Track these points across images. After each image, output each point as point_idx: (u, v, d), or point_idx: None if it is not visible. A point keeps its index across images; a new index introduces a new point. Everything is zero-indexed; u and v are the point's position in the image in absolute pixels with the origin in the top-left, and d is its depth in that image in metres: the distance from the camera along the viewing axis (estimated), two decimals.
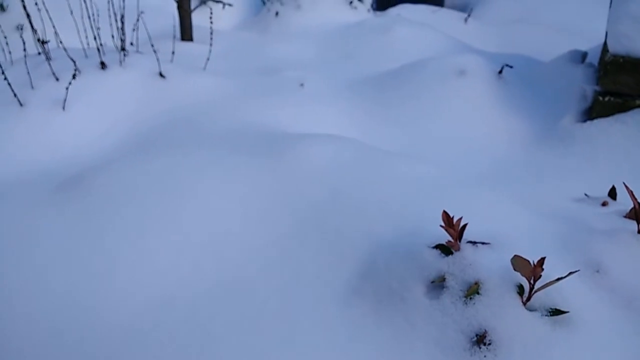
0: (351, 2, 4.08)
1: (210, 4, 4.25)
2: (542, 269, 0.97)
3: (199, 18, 4.16)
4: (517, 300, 1.00)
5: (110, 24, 2.44)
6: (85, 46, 3.24)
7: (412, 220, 1.28)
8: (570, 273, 0.99)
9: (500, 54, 3.02)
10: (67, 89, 1.94)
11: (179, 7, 3.12)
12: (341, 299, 1.16)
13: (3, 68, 1.98)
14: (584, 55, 2.53)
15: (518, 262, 0.98)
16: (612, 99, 2.03)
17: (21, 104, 1.96)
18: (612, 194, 1.56)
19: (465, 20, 4.14)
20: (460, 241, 1.12)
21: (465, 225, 1.11)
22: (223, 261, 1.30)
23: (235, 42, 3.41)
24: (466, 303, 1.02)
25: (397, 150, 2.10)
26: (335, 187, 1.42)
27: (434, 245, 1.15)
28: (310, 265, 1.25)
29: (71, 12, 2.24)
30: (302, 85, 2.48)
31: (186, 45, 3.09)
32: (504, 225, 1.25)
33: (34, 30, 2.21)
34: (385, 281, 1.14)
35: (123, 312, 1.18)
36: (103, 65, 2.21)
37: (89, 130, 1.98)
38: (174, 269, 1.27)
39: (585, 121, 2.10)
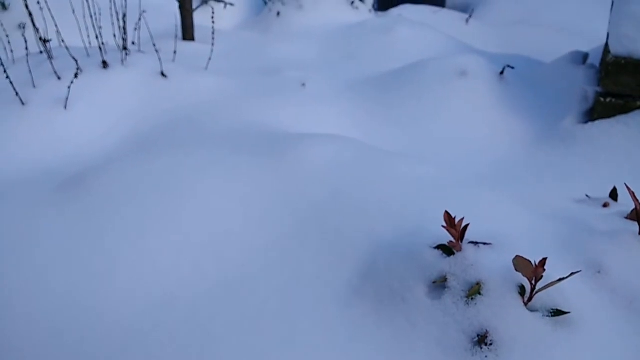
0: (353, 3, 4.09)
1: (212, 3, 4.26)
2: (544, 270, 0.97)
3: (200, 18, 4.16)
4: (519, 301, 1.00)
5: (112, 23, 2.45)
6: (87, 45, 3.24)
7: (412, 220, 1.28)
8: (572, 274, 0.99)
9: (501, 54, 3.01)
10: (69, 88, 1.94)
11: (181, 7, 3.12)
12: (341, 299, 1.16)
13: (5, 67, 1.99)
14: (585, 56, 2.53)
15: (519, 263, 0.98)
16: (613, 100, 2.03)
17: (23, 103, 1.96)
18: (614, 195, 1.56)
19: (467, 21, 4.14)
20: (462, 241, 1.12)
21: (467, 226, 1.11)
22: (223, 261, 1.30)
23: (237, 42, 3.41)
24: (468, 303, 1.02)
25: (398, 151, 2.10)
26: (335, 187, 1.42)
27: (435, 245, 1.15)
28: (310, 265, 1.25)
29: (73, 11, 2.25)
30: (303, 85, 2.48)
31: (188, 44, 3.09)
32: (505, 226, 1.25)
33: (35, 29, 2.22)
34: (386, 281, 1.14)
35: (123, 312, 1.18)
36: (105, 64, 2.21)
37: (91, 129, 1.98)
38: (174, 269, 1.27)
39: (586, 122, 2.10)
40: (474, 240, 1.15)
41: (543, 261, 0.97)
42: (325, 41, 3.48)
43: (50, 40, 2.22)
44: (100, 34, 2.31)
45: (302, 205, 1.39)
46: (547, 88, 2.43)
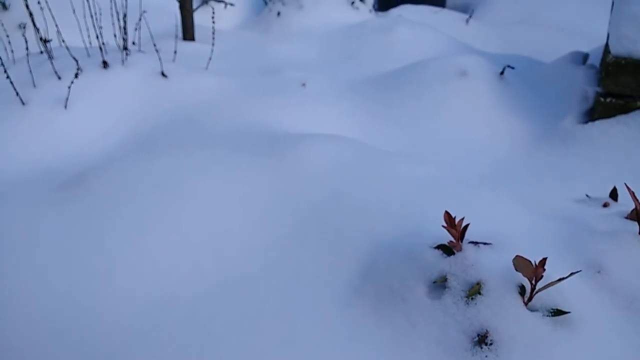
0: (353, 3, 4.09)
1: (212, 3, 4.26)
2: (544, 270, 0.97)
3: (200, 18, 4.17)
4: (519, 301, 1.00)
5: (113, 23, 2.45)
6: (88, 45, 3.24)
7: (412, 220, 1.28)
8: (572, 273, 0.99)
9: (501, 54, 3.01)
10: (69, 87, 1.95)
11: (181, 7, 3.12)
12: (341, 299, 1.16)
13: (5, 66, 1.99)
14: (585, 57, 2.53)
15: (520, 263, 0.98)
16: (613, 100, 2.03)
17: (23, 103, 1.96)
18: (614, 195, 1.56)
19: (467, 21, 4.14)
20: (462, 241, 1.12)
21: (467, 226, 1.11)
22: (223, 261, 1.30)
23: (237, 42, 3.41)
24: (468, 303, 1.02)
25: (398, 151, 2.10)
26: (336, 187, 1.42)
27: (435, 245, 1.15)
28: (310, 265, 1.25)
29: (74, 11, 2.25)
30: (303, 85, 2.48)
31: (188, 44, 3.09)
32: (505, 226, 1.25)
33: (36, 29, 2.22)
34: (386, 281, 1.14)
35: (123, 312, 1.18)
36: (105, 64, 2.21)
37: (91, 129, 1.98)
38: (174, 269, 1.27)
39: (586, 122, 2.10)
40: (474, 240, 1.15)
41: (543, 261, 0.97)
42: (326, 41, 3.48)
43: (51, 40, 2.22)
44: (100, 34, 2.31)
45: (302, 205, 1.39)
46: (547, 88, 2.43)
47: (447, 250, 1.12)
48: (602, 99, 2.04)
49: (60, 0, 3.60)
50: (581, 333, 0.98)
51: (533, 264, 1.00)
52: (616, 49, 1.99)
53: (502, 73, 2.46)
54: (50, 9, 2.21)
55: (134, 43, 2.53)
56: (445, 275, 1.08)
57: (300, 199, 1.41)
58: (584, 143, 1.99)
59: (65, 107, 1.99)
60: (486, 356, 0.95)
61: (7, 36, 2.22)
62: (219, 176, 1.50)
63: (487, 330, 0.98)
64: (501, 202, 1.37)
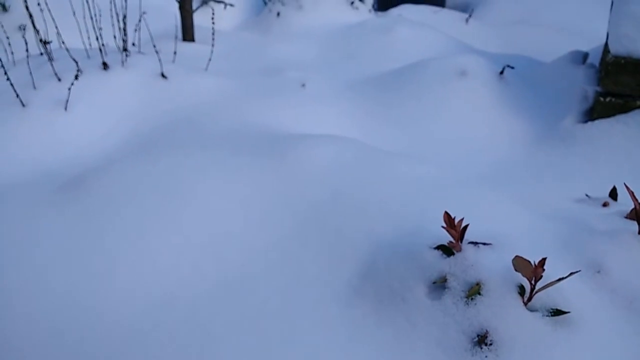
0: (352, 3, 4.09)
1: (212, 4, 4.26)
2: (543, 270, 0.97)
3: (200, 18, 4.17)
4: (518, 301, 1.00)
5: (113, 25, 2.45)
6: (88, 47, 3.24)
7: (412, 220, 1.28)
8: (572, 273, 0.99)
9: (501, 54, 3.02)
10: (69, 89, 1.95)
11: (181, 8, 3.13)
12: (342, 299, 1.16)
13: (5, 68, 1.99)
14: (585, 56, 2.52)
15: (519, 263, 0.98)
16: (613, 99, 2.03)
17: (23, 105, 1.96)
18: (613, 194, 1.56)
19: (467, 20, 4.14)
20: (461, 242, 1.12)
21: (466, 226, 1.11)
22: (223, 262, 1.30)
23: (237, 43, 3.41)
24: (467, 303, 1.02)
25: (398, 151, 2.10)
26: (336, 187, 1.43)
27: (434, 245, 1.15)
28: (310, 266, 1.26)
29: (73, 13, 2.25)
30: (303, 85, 2.48)
31: (188, 45, 3.09)
32: (505, 226, 1.25)
33: (36, 31, 2.22)
34: (386, 281, 1.14)
35: (123, 312, 1.18)
36: (105, 65, 2.21)
37: (91, 130, 1.99)
38: (174, 270, 1.27)
39: (586, 122, 2.10)
40: (474, 241, 1.15)
41: (542, 261, 0.97)
42: (325, 41, 3.48)
43: (51, 41, 2.22)
44: (100, 35, 2.31)
45: (303, 206, 1.40)
46: (547, 88, 2.43)
47: (447, 250, 1.12)
48: (601, 99, 2.04)
49: (60, 2, 3.60)
50: (581, 333, 0.98)
51: (532, 264, 1.00)
52: (615, 49, 1.99)
53: (501, 73, 2.46)
54: (50, 11, 2.21)
55: (133, 44, 2.54)
56: (445, 276, 1.08)
57: (300, 200, 1.42)
58: (584, 143, 1.99)
59: (66, 108, 1.99)
60: (486, 356, 0.95)
61: (7, 38, 2.22)
62: (219, 177, 1.50)
63: (486, 331, 0.98)
64: (501, 202, 1.37)
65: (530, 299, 1.00)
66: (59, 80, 2.11)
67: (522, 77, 2.55)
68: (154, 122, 2.07)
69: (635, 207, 1.23)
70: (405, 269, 1.13)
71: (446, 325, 1.01)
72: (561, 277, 1.06)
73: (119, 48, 2.39)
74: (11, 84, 1.89)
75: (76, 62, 2.06)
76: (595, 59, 2.54)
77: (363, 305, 1.13)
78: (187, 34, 3.21)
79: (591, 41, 3.94)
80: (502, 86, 2.41)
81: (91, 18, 2.26)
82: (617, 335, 1.00)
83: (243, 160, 1.56)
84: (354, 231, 1.29)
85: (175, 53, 2.54)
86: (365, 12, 4.13)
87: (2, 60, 3.01)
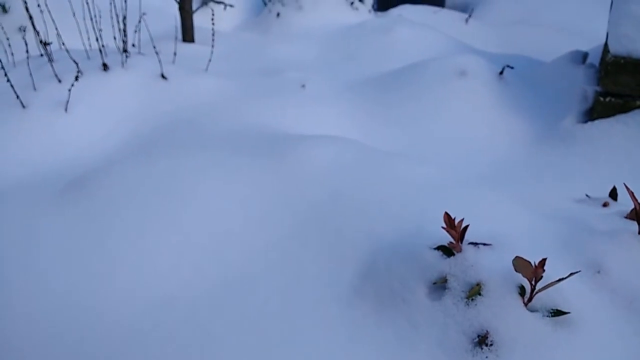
0: (352, 3, 4.09)
1: (212, 5, 4.26)
2: (544, 270, 0.97)
3: (200, 19, 4.17)
4: (519, 301, 1.00)
5: (112, 26, 2.45)
6: (88, 48, 3.25)
7: (412, 220, 1.28)
8: (572, 274, 0.99)
9: (501, 54, 3.02)
10: (69, 90, 1.95)
11: (181, 8, 3.13)
12: (342, 299, 1.16)
13: (6, 70, 1.99)
14: (585, 56, 2.52)
15: (519, 263, 0.98)
16: (613, 99, 2.03)
17: (24, 106, 1.96)
18: (613, 194, 1.56)
19: (466, 20, 4.14)
20: (461, 242, 1.12)
21: (466, 227, 1.11)
22: (224, 262, 1.30)
23: (237, 43, 3.42)
24: (468, 304, 1.02)
25: (398, 151, 2.10)
26: (336, 188, 1.43)
27: (435, 246, 1.15)
28: (311, 266, 1.26)
29: (73, 14, 2.25)
30: (303, 86, 2.48)
31: (188, 46, 3.09)
32: (505, 226, 1.25)
33: (36, 32, 2.22)
34: (387, 282, 1.14)
35: (123, 313, 1.18)
36: (105, 66, 2.21)
37: (91, 131, 1.99)
38: (174, 270, 1.27)
39: (586, 122, 2.10)
40: (474, 241, 1.15)
41: (543, 262, 0.97)
42: (325, 42, 3.49)
43: (51, 43, 2.23)
44: (100, 36, 2.31)
45: (303, 206, 1.40)
46: (547, 88, 2.43)
47: (447, 251, 1.12)
48: (601, 99, 2.04)
49: (60, 3, 3.60)
50: (581, 333, 0.98)
51: (533, 264, 1.00)
52: (615, 49, 1.99)
53: (501, 73, 2.46)
54: (50, 12, 2.22)
55: (133, 45, 2.54)
56: (446, 276, 1.08)
57: (300, 200, 1.42)
58: (584, 143, 1.99)
59: (66, 110, 1.99)
60: (486, 357, 0.95)
61: (7, 39, 2.22)
62: (219, 178, 1.50)
63: (487, 331, 0.98)
64: (501, 202, 1.38)
65: (530, 299, 1.00)
66: (59, 81, 2.11)
67: (522, 77, 2.55)
68: (154, 123, 2.07)
69: (635, 207, 1.23)
70: (406, 269, 1.13)
71: (446, 325, 1.01)
72: (561, 277, 1.06)
73: (119, 49, 2.39)
74: (11, 85, 1.90)
75: (76, 64, 2.06)
76: (595, 59, 2.54)
77: (363, 306, 1.13)
78: (187, 34, 3.21)
79: (591, 41, 3.94)
80: (502, 86, 2.42)
81: (91, 19, 2.26)
82: (617, 335, 1.00)
83: (243, 160, 1.57)
84: (354, 231, 1.29)
85: (175, 54, 2.54)
86: (365, 12, 4.13)
87: (3, 61, 3.01)
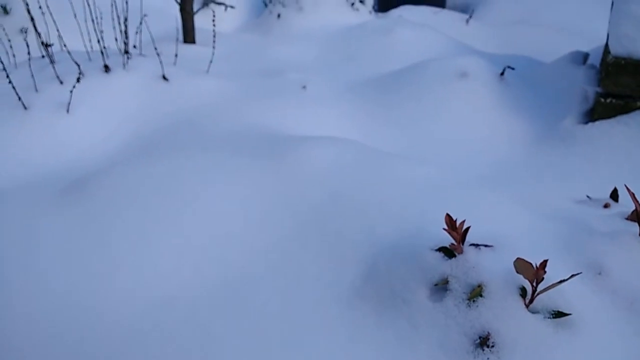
0: (353, 4, 4.09)
1: (213, 6, 4.27)
2: (545, 272, 0.97)
3: (201, 20, 4.18)
4: (520, 303, 1.00)
5: (114, 27, 2.46)
6: (89, 49, 3.25)
7: (413, 221, 1.28)
8: (573, 275, 0.99)
9: (501, 55, 3.02)
10: (71, 92, 1.95)
11: (182, 10, 3.13)
12: (342, 300, 1.16)
13: (7, 71, 2.00)
14: (585, 57, 2.52)
15: (520, 265, 0.98)
16: (613, 100, 2.03)
17: (25, 107, 1.97)
18: (614, 195, 1.56)
19: (467, 21, 4.14)
20: (463, 244, 1.12)
21: (468, 228, 1.11)
22: (224, 263, 1.30)
23: (238, 45, 3.42)
24: (469, 305, 1.02)
25: (398, 152, 2.10)
26: (336, 189, 1.43)
27: (436, 247, 1.15)
28: (311, 267, 1.26)
29: (75, 15, 2.26)
30: (304, 87, 2.49)
31: (189, 47, 3.10)
32: (506, 227, 1.25)
33: (37, 33, 2.23)
34: (387, 283, 1.14)
35: (123, 313, 1.18)
36: (107, 68, 2.22)
37: (93, 133, 1.99)
38: (175, 271, 1.28)
39: (586, 122, 2.10)
40: (475, 242, 1.15)
41: (544, 263, 0.97)
42: (326, 43, 3.49)
43: (52, 44, 2.23)
44: (101, 37, 2.32)
45: (303, 208, 1.40)
46: (547, 88, 2.43)
47: (448, 252, 1.12)
48: (602, 99, 2.04)
49: (62, 5, 3.61)
50: (582, 335, 0.98)
51: (534, 266, 1.00)
52: (616, 49, 1.99)
53: (502, 74, 2.46)
54: (51, 13, 2.22)
55: (135, 46, 2.54)
56: (447, 278, 1.08)
57: (300, 201, 1.42)
58: (584, 143, 1.99)
59: (67, 111, 2.00)
60: (488, 358, 0.95)
61: (9, 40, 2.23)
62: (219, 179, 1.50)
63: (488, 333, 0.98)
64: (501, 202, 1.38)
65: (531, 300, 1.00)
66: (61, 82, 2.11)
67: (522, 77, 2.55)
68: (155, 124, 2.07)
69: (636, 209, 1.23)
70: (406, 270, 1.13)
71: (448, 327, 1.01)
72: (562, 279, 1.06)
73: (120, 50, 2.40)
74: (13, 87, 1.90)
75: (78, 65, 2.06)
76: (595, 60, 2.54)
77: (364, 307, 1.13)
78: (188, 36, 3.22)
79: (591, 41, 3.94)
80: (503, 87, 2.42)
81: (92, 21, 2.27)
82: (618, 336, 1.00)
83: (243, 161, 1.57)
84: (354, 232, 1.29)
85: (176, 55, 2.55)
86: (365, 13, 4.13)
87: (4, 63, 3.01)
